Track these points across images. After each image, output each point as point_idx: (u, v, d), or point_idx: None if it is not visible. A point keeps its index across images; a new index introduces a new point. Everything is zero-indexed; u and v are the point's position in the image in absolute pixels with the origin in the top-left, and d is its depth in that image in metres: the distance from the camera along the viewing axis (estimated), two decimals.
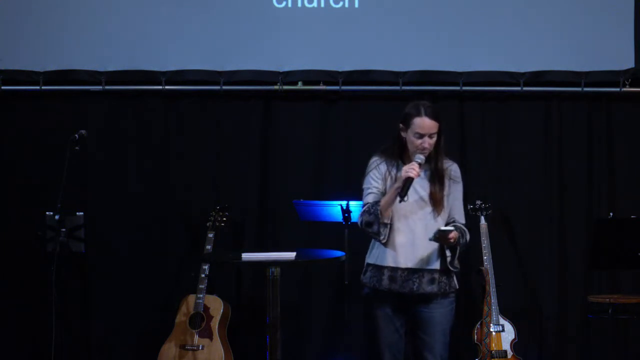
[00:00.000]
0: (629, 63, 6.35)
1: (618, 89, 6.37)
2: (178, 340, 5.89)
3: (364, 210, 4.50)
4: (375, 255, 4.52)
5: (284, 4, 6.33)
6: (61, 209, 5.71)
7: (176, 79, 6.31)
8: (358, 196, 5.81)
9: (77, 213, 5.97)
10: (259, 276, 6.10)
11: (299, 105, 6.45)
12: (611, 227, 5.82)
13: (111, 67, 6.28)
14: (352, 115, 6.44)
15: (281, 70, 6.31)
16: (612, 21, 6.36)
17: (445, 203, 4.47)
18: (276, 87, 6.33)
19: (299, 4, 6.33)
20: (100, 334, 6.33)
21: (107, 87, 6.28)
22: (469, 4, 6.34)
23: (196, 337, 5.88)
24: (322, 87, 6.37)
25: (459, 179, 4.54)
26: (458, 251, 4.45)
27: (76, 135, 5.79)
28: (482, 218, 6.10)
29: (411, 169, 4.33)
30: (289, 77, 6.32)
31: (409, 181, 4.33)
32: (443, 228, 4.31)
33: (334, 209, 5.74)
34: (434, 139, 4.42)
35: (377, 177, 4.52)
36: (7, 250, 6.27)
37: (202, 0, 6.29)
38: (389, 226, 4.42)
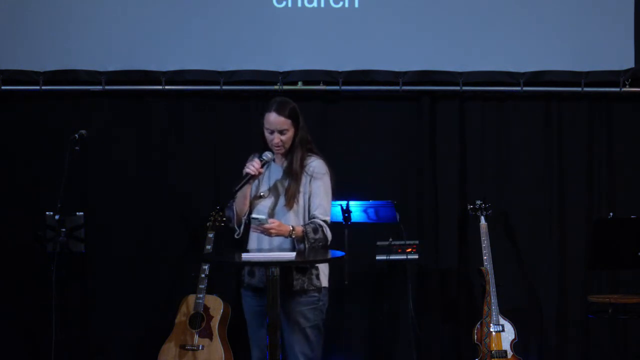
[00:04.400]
0: (629, 63, 6.36)
1: (618, 89, 6.37)
2: (178, 340, 5.89)
3: (228, 205, 4.50)
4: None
5: (284, 4, 6.33)
6: (61, 209, 5.72)
7: (176, 79, 6.31)
8: (358, 196, 5.84)
9: (77, 213, 5.98)
10: None
11: (299, 105, 6.43)
12: (611, 227, 5.83)
13: (111, 67, 6.28)
14: (352, 115, 6.44)
15: (281, 70, 6.31)
16: (612, 21, 6.36)
17: (302, 200, 4.40)
18: (276, 87, 6.32)
19: (299, 4, 6.33)
20: (100, 334, 6.33)
21: (107, 87, 6.28)
22: (469, 4, 6.34)
23: (196, 337, 5.88)
24: (322, 87, 6.37)
25: (321, 175, 4.44)
26: (307, 247, 4.32)
27: (76, 135, 5.79)
28: (482, 218, 6.10)
29: (250, 165, 4.34)
30: (289, 77, 6.32)
31: (246, 177, 4.32)
32: (254, 216, 4.27)
33: (333, 209, 5.69)
34: (286, 135, 4.41)
35: None
36: (7, 250, 6.27)
37: (202, 0, 6.29)
38: (243, 222, 4.42)
